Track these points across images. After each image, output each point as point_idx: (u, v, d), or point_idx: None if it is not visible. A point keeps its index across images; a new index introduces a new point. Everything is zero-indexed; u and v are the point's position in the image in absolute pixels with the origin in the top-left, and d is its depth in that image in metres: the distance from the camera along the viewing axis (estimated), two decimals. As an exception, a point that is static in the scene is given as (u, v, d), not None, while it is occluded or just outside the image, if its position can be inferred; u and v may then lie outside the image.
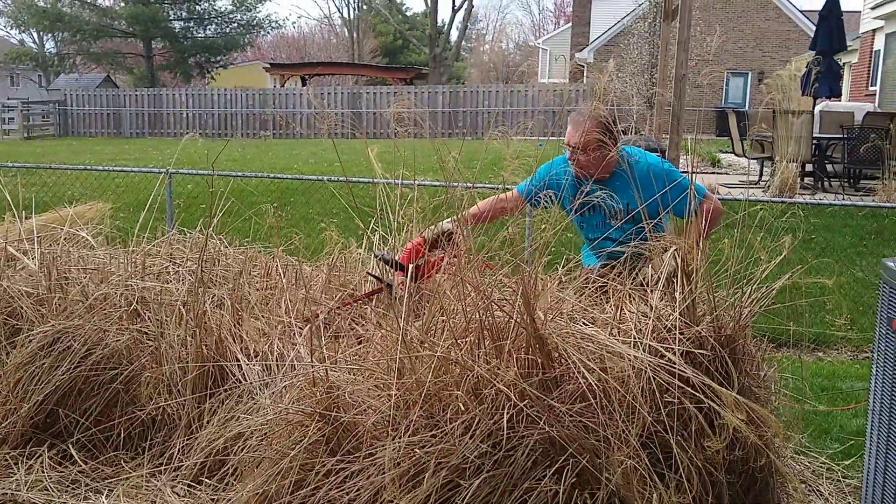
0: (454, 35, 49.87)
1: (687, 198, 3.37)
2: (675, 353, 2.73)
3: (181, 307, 3.80)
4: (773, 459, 2.89)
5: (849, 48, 15.56)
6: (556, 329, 2.81)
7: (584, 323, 2.96)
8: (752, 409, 2.64)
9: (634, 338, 2.79)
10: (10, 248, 4.33)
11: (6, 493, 3.33)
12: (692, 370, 2.72)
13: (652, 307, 2.89)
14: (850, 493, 3.42)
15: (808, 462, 3.64)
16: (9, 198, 4.74)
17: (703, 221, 3.26)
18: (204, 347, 3.58)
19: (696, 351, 2.81)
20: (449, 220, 3.61)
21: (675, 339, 2.76)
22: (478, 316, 2.81)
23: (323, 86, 35.99)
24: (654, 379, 2.68)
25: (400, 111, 3.51)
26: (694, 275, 2.88)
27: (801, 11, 28.86)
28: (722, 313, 2.92)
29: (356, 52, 51.54)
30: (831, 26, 12.34)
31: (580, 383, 2.66)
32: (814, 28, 13.68)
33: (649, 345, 2.77)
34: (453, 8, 46.69)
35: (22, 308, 3.90)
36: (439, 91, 27.80)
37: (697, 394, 2.70)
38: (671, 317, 2.83)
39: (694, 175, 3.11)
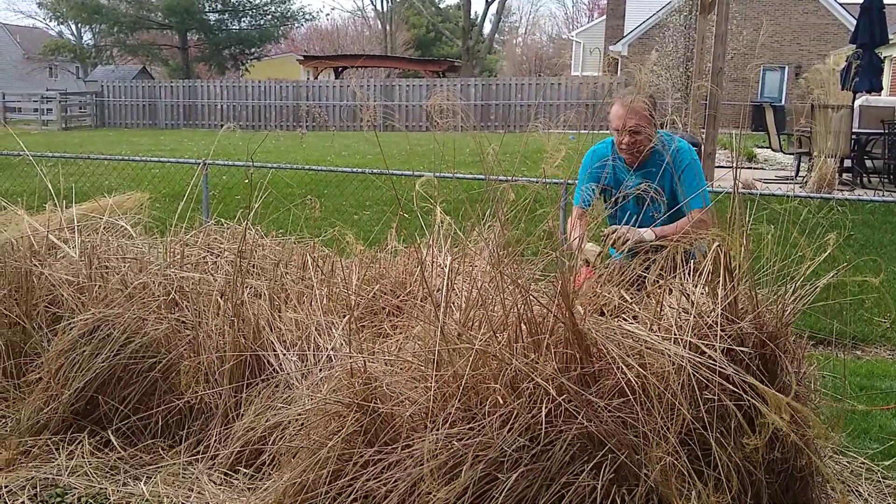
0: (487, 28, 49.75)
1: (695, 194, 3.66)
2: (715, 350, 2.71)
3: (219, 297, 3.83)
4: (813, 459, 2.85)
5: (891, 41, 15.28)
6: (594, 324, 2.79)
7: (623, 318, 2.94)
8: (794, 408, 2.60)
9: (675, 334, 2.77)
10: (51, 237, 4.40)
11: (48, 478, 3.38)
12: (733, 368, 2.69)
13: (693, 303, 2.86)
14: (889, 493, 3.37)
15: (848, 462, 3.59)
16: (50, 187, 4.80)
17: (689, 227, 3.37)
18: (242, 337, 3.61)
19: (737, 348, 2.78)
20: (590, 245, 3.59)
21: (717, 335, 2.73)
22: (516, 309, 2.81)
23: (356, 78, 36.06)
24: (694, 376, 2.65)
25: (439, 103, 3.50)
26: (737, 270, 2.85)
27: (840, 4, 28.38)
28: (764, 310, 2.89)
29: (389, 44, 51.56)
30: (873, 19, 12.13)
31: (619, 378, 2.64)
32: (852, 21, 13.48)
33: (690, 341, 2.74)
34: (487, 1, 46.55)
35: (63, 296, 3.96)
36: (472, 84, 27.75)
37: (738, 391, 2.67)
38: (713, 313, 2.80)
39: (737, 171, 3.06)
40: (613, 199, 3.66)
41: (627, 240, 3.44)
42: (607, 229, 3.65)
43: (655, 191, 3.62)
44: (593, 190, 3.75)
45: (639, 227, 3.65)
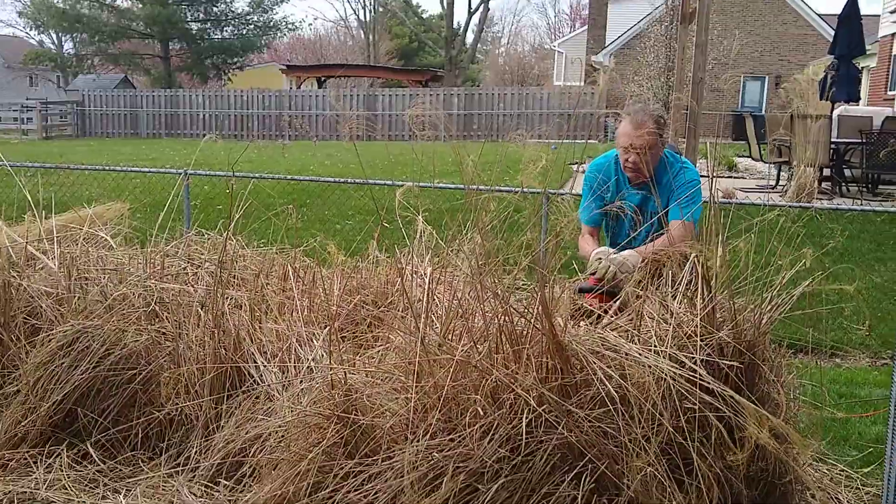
0: (470, 37, 49.91)
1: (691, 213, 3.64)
2: (695, 362, 2.72)
3: (199, 308, 3.81)
4: (793, 468, 2.87)
5: (867, 52, 15.46)
6: (575, 336, 2.80)
7: (603, 329, 2.95)
8: (775, 424, 2.62)
9: (655, 344, 2.78)
10: (30, 248, 4.36)
11: (25, 492, 3.35)
12: (712, 379, 2.70)
13: (672, 313, 2.88)
14: (869, 501, 3.39)
15: (827, 469, 3.61)
16: (28, 197, 4.77)
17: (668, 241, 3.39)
18: (222, 348, 3.59)
19: (716, 359, 2.80)
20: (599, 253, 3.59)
21: (697, 345, 2.75)
22: (497, 320, 2.81)
23: (339, 88, 36.07)
24: (674, 387, 2.66)
25: (418, 113, 3.50)
26: (713, 280, 2.87)
27: (819, 15, 28.72)
28: (742, 319, 2.91)
29: (372, 54, 51.63)
30: (850, 30, 12.26)
31: (599, 389, 2.65)
32: (831, 32, 13.62)
33: (669, 353, 2.75)
34: (469, 10, 46.77)
35: (42, 307, 3.93)
36: (455, 93, 27.85)
37: (717, 402, 2.69)
38: (692, 322, 2.82)
39: (715, 180, 3.09)
40: (613, 215, 3.67)
41: (610, 267, 3.41)
42: (592, 254, 3.63)
43: (654, 208, 3.64)
44: (598, 206, 3.74)
45: (636, 243, 3.64)
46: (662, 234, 3.56)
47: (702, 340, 2.78)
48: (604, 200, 3.81)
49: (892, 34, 20.30)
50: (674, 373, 2.66)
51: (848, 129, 12.33)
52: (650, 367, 2.68)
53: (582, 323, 3.05)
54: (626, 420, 2.63)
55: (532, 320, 2.78)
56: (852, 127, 12.11)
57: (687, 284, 2.98)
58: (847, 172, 11.98)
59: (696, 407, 2.68)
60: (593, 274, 3.49)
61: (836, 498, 3.40)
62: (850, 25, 12.27)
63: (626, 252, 3.53)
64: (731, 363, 2.80)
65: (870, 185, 11.79)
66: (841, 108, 13.13)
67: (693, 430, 2.66)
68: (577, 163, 14.50)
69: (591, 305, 3.29)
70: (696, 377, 2.68)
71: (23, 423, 3.64)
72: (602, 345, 2.78)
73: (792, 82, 11.90)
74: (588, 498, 2.61)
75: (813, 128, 10.93)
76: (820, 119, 11.17)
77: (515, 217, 3.13)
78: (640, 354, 2.71)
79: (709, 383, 2.68)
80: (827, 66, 12.43)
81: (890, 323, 5.68)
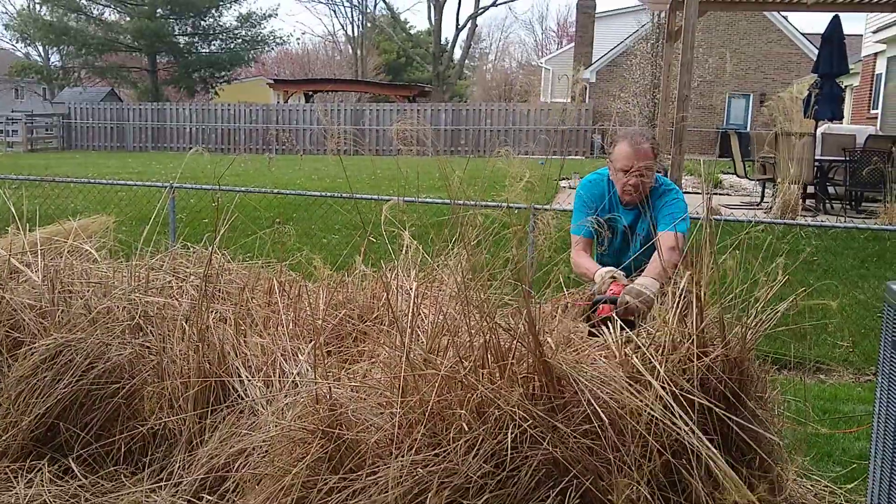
0: (457, 53, 50.13)
1: (669, 219, 3.66)
2: (687, 388, 2.72)
3: (184, 322, 3.79)
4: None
5: (851, 71, 15.61)
6: (564, 358, 2.79)
7: (594, 353, 2.94)
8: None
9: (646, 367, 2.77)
10: (13, 261, 4.33)
11: (5, 507, 3.31)
12: (694, 428, 2.70)
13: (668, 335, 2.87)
14: (853, 516, 3.41)
15: (811, 485, 3.62)
16: (12, 210, 4.75)
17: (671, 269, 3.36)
18: (206, 363, 3.57)
19: (709, 375, 2.80)
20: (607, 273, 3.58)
21: (693, 369, 2.74)
22: (482, 336, 2.81)
23: (326, 102, 36.11)
24: (663, 428, 2.65)
25: (404, 129, 3.51)
26: (703, 300, 2.87)
27: (802, 34, 29.01)
28: (732, 337, 2.91)
29: (360, 69, 51.72)
30: (833, 49, 12.39)
31: (586, 408, 2.65)
32: (815, 51, 13.74)
33: (662, 375, 2.74)
34: (457, 27, 46.95)
35: (24, 321, 3.90)
36: (442, 108, 27.92)
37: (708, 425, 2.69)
38: (683, 346, 2.82)
39: (707, 197, 3.11)
40: (607, 234, 3.68)
41: (642, 295, 3.31)
42: (600, 273, 3.59)
43: (644, 228, 3.66)
44: (592, 222, 3.75)
45: (625, 258, 3.67)
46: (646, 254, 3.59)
47: (697, 359, 2.78)
48: (597, 217, 3.82)
49: (875, 53, 20.53)
50: (663, 411, 2.64)
51: (831, 146, 12.45)
52: (642, 399, 2.66)
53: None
54: (612, 443, 2.63)
55: (517, 337, 2.78)
56: (836, 145, 12.23)
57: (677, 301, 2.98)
58: (831, 190, 12.08)
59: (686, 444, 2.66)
60: (605, 302, 3.41)
61: (819, 513, 3.41)
62: (834, 45, 12.40)
63: (645, 280, 3.42)
64: (723, 377, 2.80)
65: (853, 203, 11.89)
66: (825, 126, 13.25)
67: (681, 456, 2.66)
68: (565, 178, 14.50)
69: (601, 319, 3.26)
70: (682, 416, 2.67)
71: (4, 438, 3.60)
72: (592, 369, 2.76)
73: (776, 100, 12.00)
74: (573, 513, 2.61)
75: (797, 145, 11.03)
76: (804, 137, 11.27)
77: (503, 233, 3.13)
78: (630, 387, 2.70)
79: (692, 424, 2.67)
80: (811, 85, 12.55)
81: (873, 339, 5.71)
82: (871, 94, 21.23)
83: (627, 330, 2.98)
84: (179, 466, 3.43)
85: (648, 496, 2.59)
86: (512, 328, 2.84)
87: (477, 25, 49.38)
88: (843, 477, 3.70)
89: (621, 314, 3.24)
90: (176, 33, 41.15)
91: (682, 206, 3.80)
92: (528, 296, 2.83)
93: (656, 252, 3.49)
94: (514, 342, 2.79)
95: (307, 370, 3.42)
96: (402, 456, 2.67)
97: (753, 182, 13.47)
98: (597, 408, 2.62)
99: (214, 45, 42.39)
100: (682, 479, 2.67)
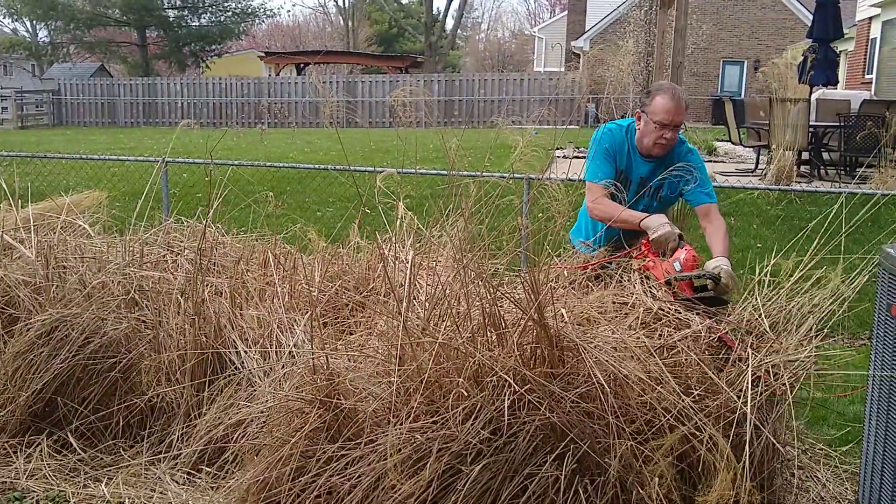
0: (450, 23, 49.71)
1: (701, 187, 3.68)
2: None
3: (179, 296, 3.79)
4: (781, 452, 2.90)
5: (845, 36, 15.53)
6: (567, 326, 2.79)
7: (598, 313, 2.95)
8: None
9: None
10: (6, 237, 4.32)
11: (5, 482, 3.33)
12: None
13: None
14: (847, 479, 3.44)
15: (806, 448, 3.65)
16: (5, 186, 4.72)
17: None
18: (203, 335, 3.58)
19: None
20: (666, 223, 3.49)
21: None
22: (480, 304, 2.81)
23: (318, 74, 35.86)
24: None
25: (401, 98, 3.48)
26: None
27: (797, -1, 28.84)
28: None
29: (351, 40, 51.31)
30: (828, 14, 12.31)
31: (589, 376, 2.66)
32: (809, 16, 13.65)
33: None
34: (448, -4, 46.51)
35: (19, 297, 3.89)
36: (434, 79, 27.76)
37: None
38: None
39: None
40: (622, 181, 3.68)
41: (733, 278, 3.29)
42: (673, 231, 3.45)
43: (671, 183, 3.68)
44: (612, 167, 3.74)
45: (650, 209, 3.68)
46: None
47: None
48: (615, 165, 3.80)
49: (870, 18, 20.41)
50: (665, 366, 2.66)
51: (826, 112, 12.41)
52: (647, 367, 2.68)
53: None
54: (611, 407, 2.64)
55: (523, 307, 2.76)
56: (830, 110, 12.19)
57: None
58: (825, 155, 12.06)
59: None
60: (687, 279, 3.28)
61: (814, 476, 3.44)
62: (828, 9, 12.33)
63: (720, 261, 3.38)
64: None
65: (848, 168, 11.88)
66: (819, 92, 13.21)
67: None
68: (559, 149, 14.42)
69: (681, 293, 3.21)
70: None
71: (2, 414, 3.61)
72: (599, 340, 2.77)
73: (770, 66, 11.95)
74: (570, 478, 2.62)
75: (792, 111, 10.99)
76: (798, 102, 11.23)
77: (501, 202, 3.11)
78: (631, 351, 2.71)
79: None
80: (805, 50, 12.48)
81: (866, 304, 5.72)
82: (865, 58, 21.13)
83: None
84: (178, 439, 3.45)
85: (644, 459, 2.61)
86: (516, 296, 2.84)
87: (469, -5, 49.00)
88: (837, 440, 3.73)
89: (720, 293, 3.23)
90: (165, 6, 40.71)
91: (706, 170, 3.82)
92: (532, 262, 2.82)
93: (713, 225, 3.58)
94: (519, 311, 2.78)
95: (304, 341, 3.42)
96: (401, 424, 2.68)
97: (748, 149, 13.44)
98: (597, 374, 2.62)
99: (204, 18, 41.95)
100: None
